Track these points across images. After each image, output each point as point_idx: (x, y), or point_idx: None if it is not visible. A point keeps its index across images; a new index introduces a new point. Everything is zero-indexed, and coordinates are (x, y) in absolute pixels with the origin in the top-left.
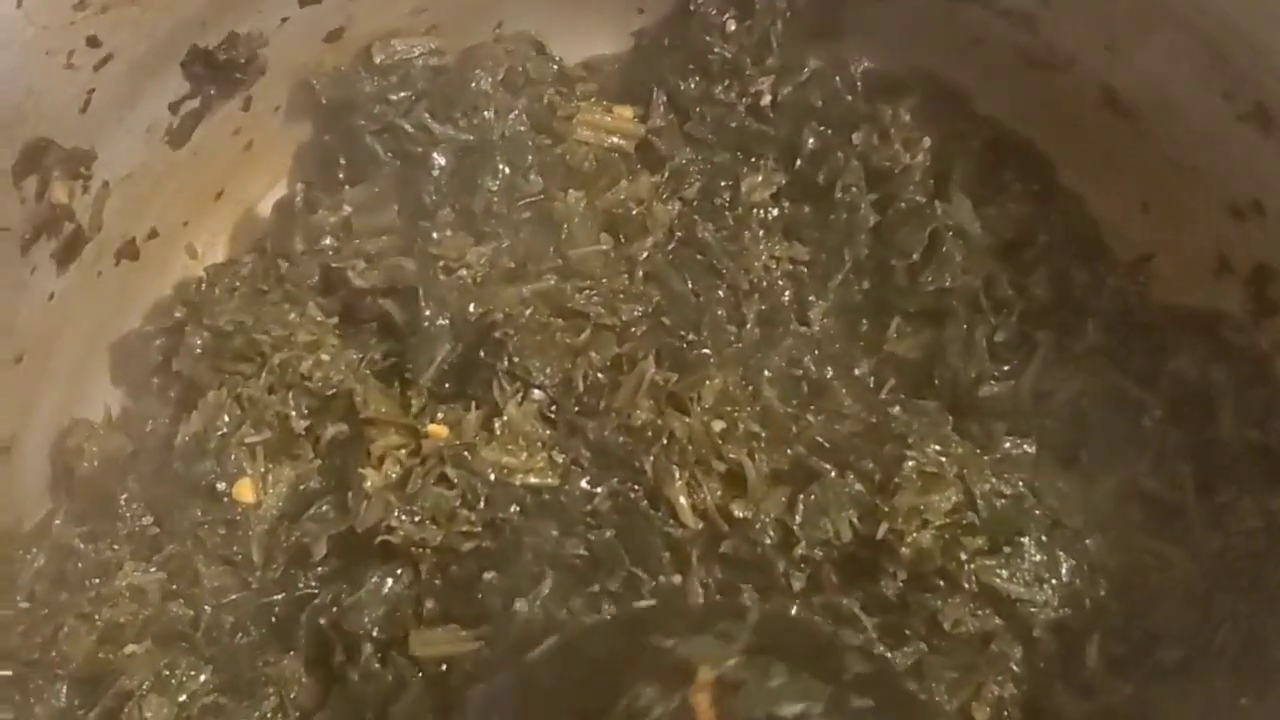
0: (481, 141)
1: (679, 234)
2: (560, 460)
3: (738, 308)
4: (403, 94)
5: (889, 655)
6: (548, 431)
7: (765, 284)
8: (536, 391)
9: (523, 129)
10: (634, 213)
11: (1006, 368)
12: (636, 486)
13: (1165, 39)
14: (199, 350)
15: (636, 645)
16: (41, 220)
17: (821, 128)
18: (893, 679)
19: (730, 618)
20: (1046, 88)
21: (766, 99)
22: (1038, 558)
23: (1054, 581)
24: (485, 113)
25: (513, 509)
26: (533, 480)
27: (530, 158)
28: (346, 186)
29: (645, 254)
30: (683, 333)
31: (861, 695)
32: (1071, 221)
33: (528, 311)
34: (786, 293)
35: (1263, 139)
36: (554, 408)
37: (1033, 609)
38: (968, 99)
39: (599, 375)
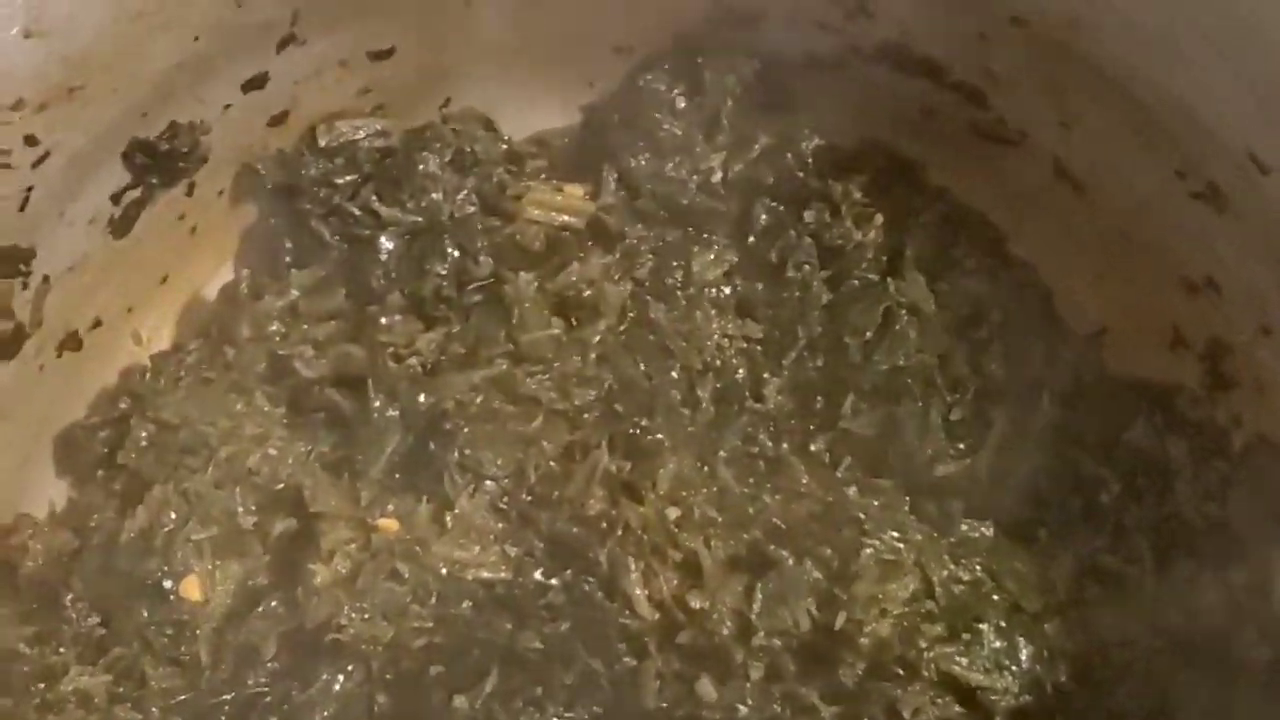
0: (430, 224)
1: (631, 314)
2: (513, 553)
3: (691, 389)
4: (349, 177)
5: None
6: (500, 524)
7: (719, 363)
8: (489, 483)
9: (472, 210)
10: (585, 294)
11: (963, 445)
12: (591, 578)
13: (1117, 116)
14: (144, 443)
15: None
16: None
17: (773, 204)
18: None
19: None
20: (998, 160)
21: (717, 175)
22: (997, 644)
23: (1014, 668)
24: (433, 194)
25: (465, 604)
26: (485, 574)
27: (480, 240)
28: (293, 270)
29: (598, 337)
30: (636, 419)
31: None
32: (1025, 295)
33: (478, 399)
34: (740, 371)
35: (1215, 217)
36: (506, 499)
37: (993, 696)
38: (920, 171)
39: (551, 464)
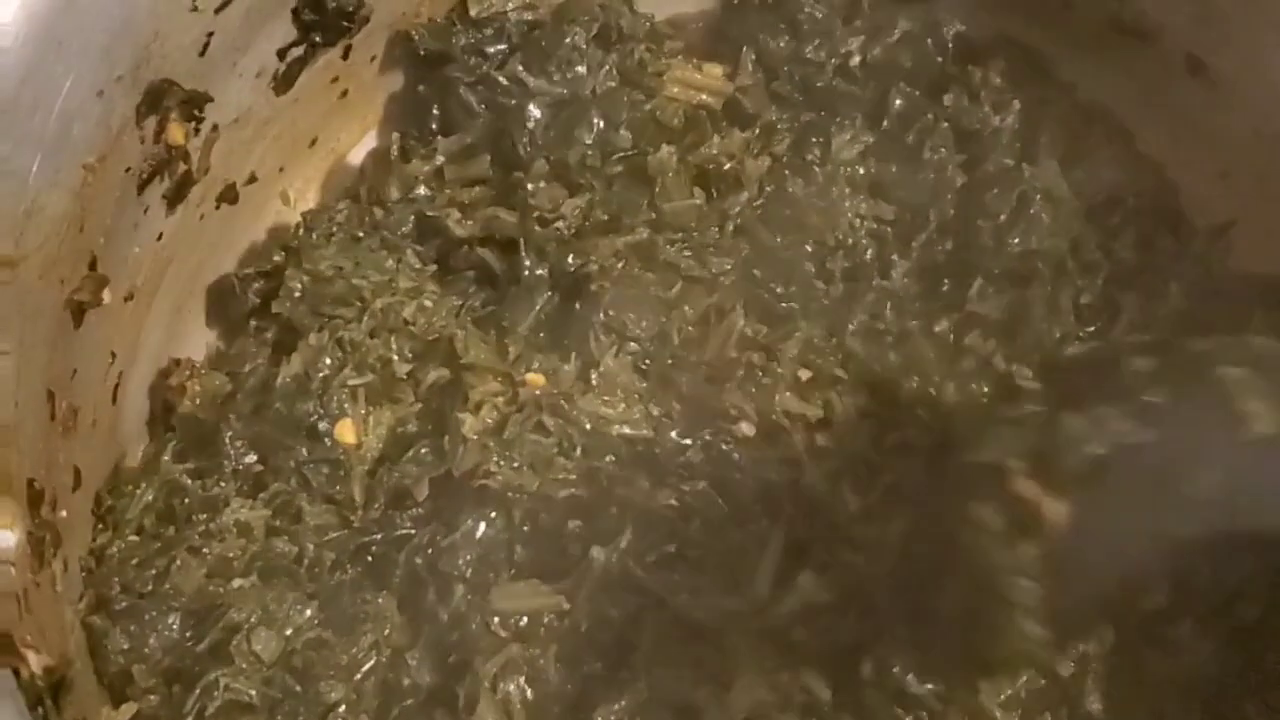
0: (574, 96)
1: (768, 189)
2: (655, 412)
3: (824, 264)
4: (498, 47)
5: None
6: (643, 384)
7: (850, 241)
8: (631, 344)
9: (614, 84)
10: (726, 167)
11: (1092, 329)
12: (729, 440)
13: (1260, 10)
14: (298, 294)
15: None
16: (157, 161)
17: (910, 89)
18: None
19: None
20: (1131, 55)
21: (855, 59)
22: None
23: None
24: (578, 68)
25: (608, 459)
26: (628, 431)
27: (623, 113)
28: (439, 137)
29: (737, 208)
30: (772, 285)
31: None
32: (1154, 188)
33: (620, 265)
34: (869, 250)
35: None
36: (648, 360)
37: None
38: (1049, 66)
39: (690, 329)
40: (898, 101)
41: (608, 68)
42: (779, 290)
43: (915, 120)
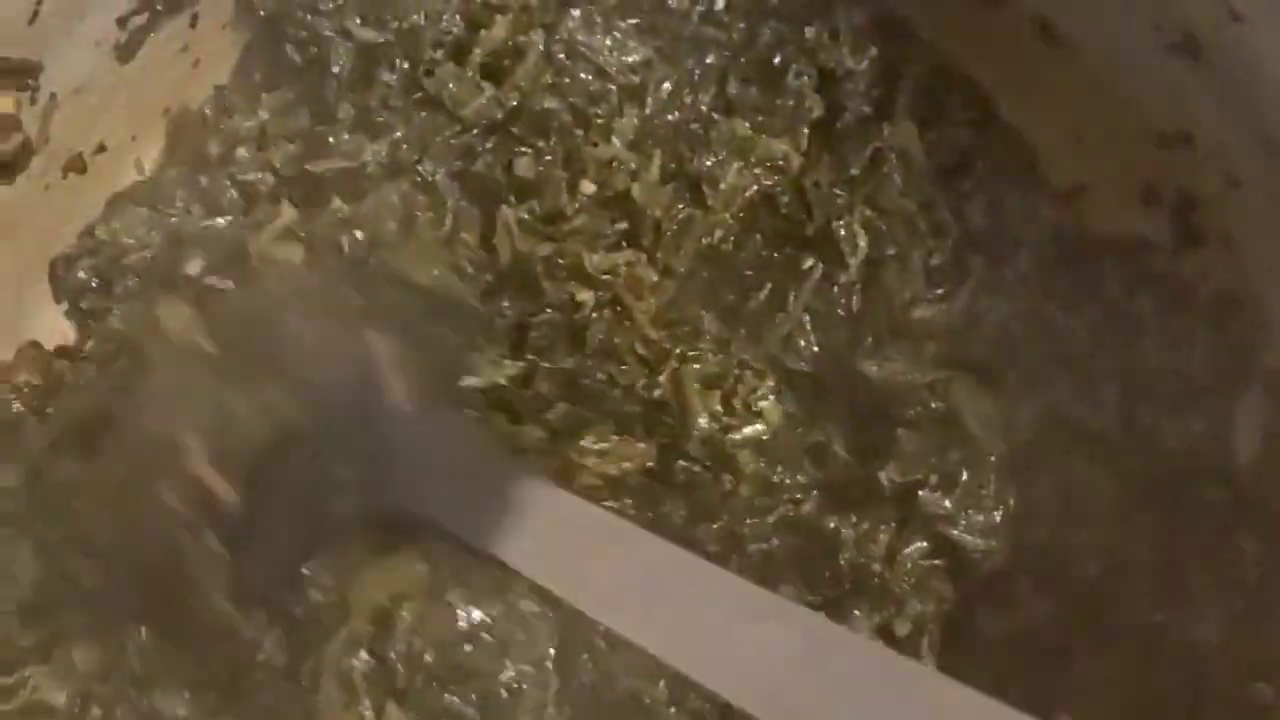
0: (397, 41)
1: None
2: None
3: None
4: (335, 3)
5: None
6: None
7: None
8: None
9: (458, 30)
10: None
11: (940, 290)
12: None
13: None
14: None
15: None
16: None
17: (776, 23)
18: None
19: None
20: (984, 19)
21: (720, 2)
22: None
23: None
24: (414, 16)
25: None
26: None
27: (427, 52)
28: (263, 94)
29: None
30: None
31: None
32: (1009, 151)
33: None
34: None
35: (1191, 69)
36: None
37: None
38: (910, 27)
39: (480, 253)
40: (766, 34)
41: (449, 15)
42: (540, 144)
43: (781, 49)
